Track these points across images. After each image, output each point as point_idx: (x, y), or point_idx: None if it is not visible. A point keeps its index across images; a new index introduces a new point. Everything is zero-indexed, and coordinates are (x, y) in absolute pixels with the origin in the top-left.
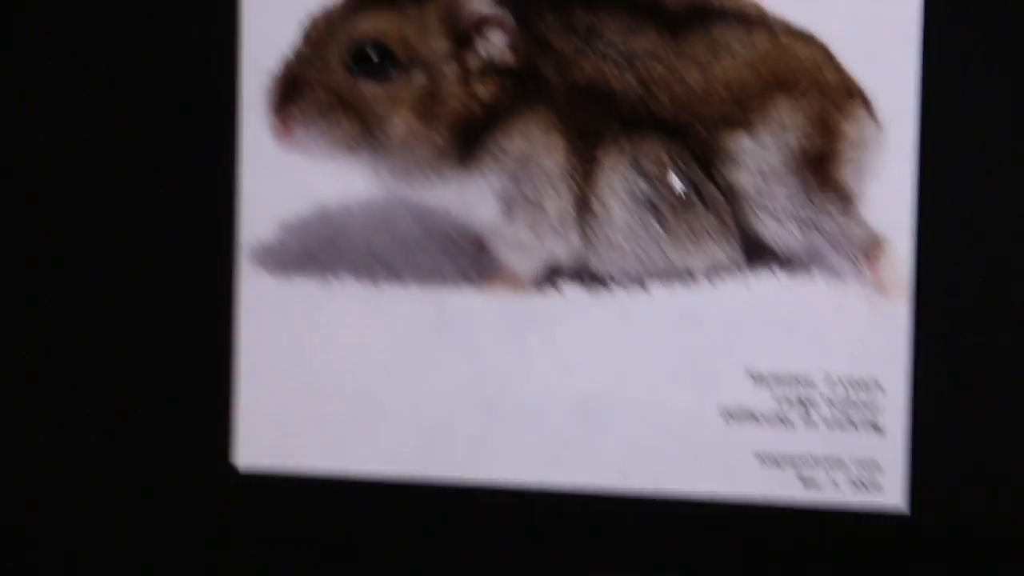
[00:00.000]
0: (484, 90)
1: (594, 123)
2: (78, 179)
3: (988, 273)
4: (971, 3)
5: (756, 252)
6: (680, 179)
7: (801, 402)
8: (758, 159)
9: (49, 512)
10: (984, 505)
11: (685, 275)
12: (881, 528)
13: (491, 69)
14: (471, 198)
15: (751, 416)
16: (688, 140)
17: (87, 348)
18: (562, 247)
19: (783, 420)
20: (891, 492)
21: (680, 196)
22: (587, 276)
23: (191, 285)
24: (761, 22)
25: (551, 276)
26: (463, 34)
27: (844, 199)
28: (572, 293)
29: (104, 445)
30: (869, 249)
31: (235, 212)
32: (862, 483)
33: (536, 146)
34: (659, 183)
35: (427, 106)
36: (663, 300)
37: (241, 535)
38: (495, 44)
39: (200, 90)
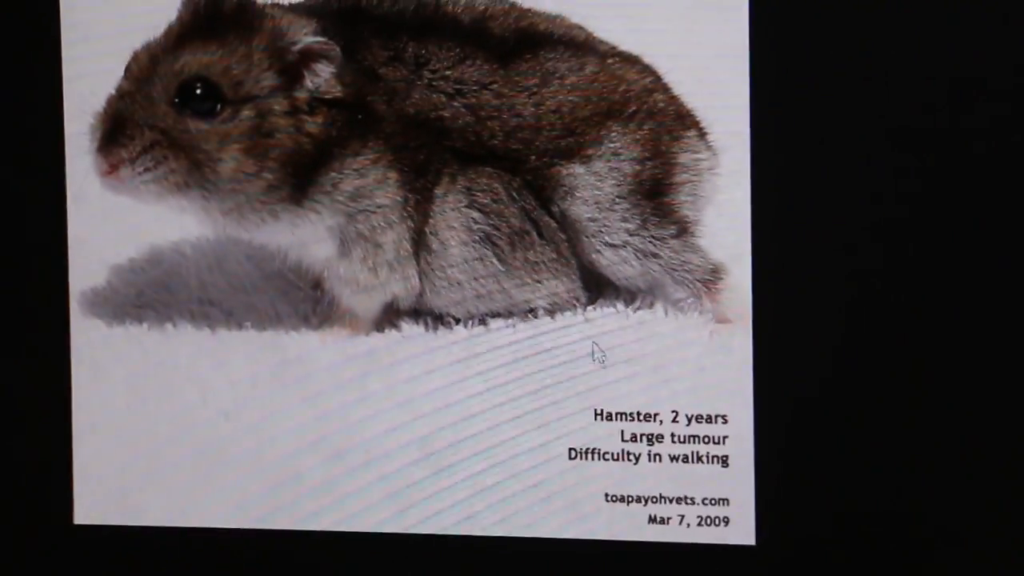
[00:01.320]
0: (314, 124)
1: (427, 156)
2: None
3: (827, 297)
4: (798, 23)
5: (596, 285)
6: (519, 216)
7: (648, 439)
8: (593, 188)
9: None
10: (832, 534)
11: (526, 310)
12: (731, 563)
13: (320, 102)
14: (306, 237)
15: (598, 455)
16: (522, 171)
17: None
18: (400, 285)
19: (630, 457)
20: (740, 527)
21: (518, 229)
22: (427, 314)
23: (21, 335)
24: (590, 47)
25: (390, 315)
26: (290, 67)
27: (681, 227)
28: (412, 332)
29: None
30: (708, 278)
31: (64, 258)
32: (711, 519)
33: (369, 181)
34: (495, 216)
35: (257, 143)
36: (504, 336)
37: None
38: (322, 76)
39: (23, 131)
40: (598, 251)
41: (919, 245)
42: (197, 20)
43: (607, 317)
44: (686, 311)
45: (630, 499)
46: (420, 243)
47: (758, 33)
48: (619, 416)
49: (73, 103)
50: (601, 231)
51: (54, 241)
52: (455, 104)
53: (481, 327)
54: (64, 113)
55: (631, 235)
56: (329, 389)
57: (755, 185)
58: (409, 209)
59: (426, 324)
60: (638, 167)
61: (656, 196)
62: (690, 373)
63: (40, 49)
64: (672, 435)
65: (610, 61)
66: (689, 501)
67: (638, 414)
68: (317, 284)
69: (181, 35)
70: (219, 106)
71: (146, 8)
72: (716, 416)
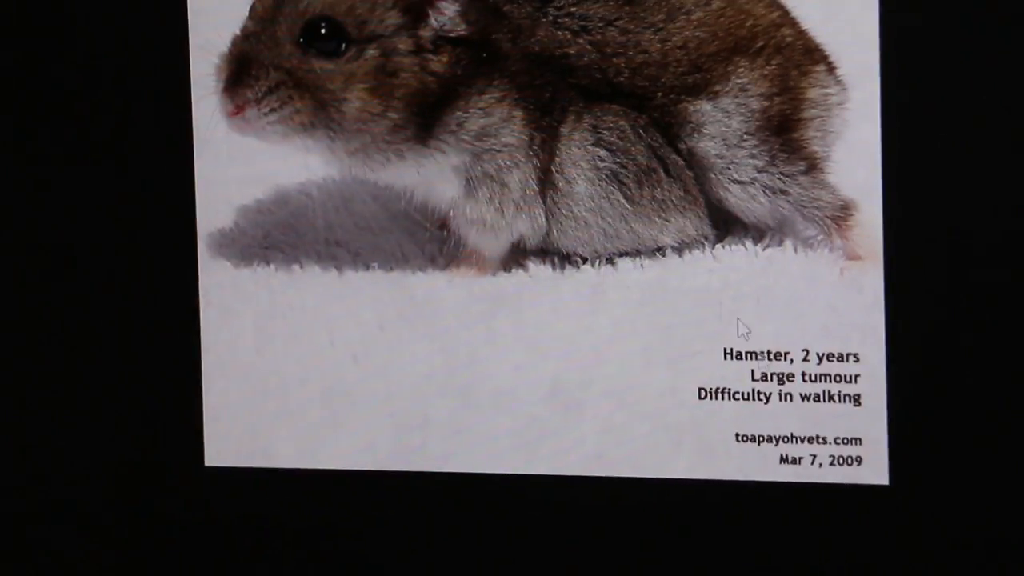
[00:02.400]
0: (439, 63)
1: (552, 94)
2: (27, 174)
3: (959, 234)
4: None
5: (724, 223)
6: (646, 154)
7: (778, 378)
8: (720, 125)
9: (13, 513)
10: (965, 474)
11: (653, 249)
12: (863, 503)
13: (444, 41)
14: (431, 177)
15: (728, 394)
16: (649, 108)
17: (49, 347)
18: (526, 224)
19: (761, 397)
20: (873, 466)
21: (644, 167)
22: (553, 254)
23: (150, 278)
24: None
25: (517, 255)
26: (414, 5)
27: (810, 163)
28: (539, 272)
29: (70, 444)
30: (839, 215)
31: (192, 199)
32: (843, 458)
33: (495, 120)
34: (621, 154)
35: (381, 82)
36: (632, 276)
37: (213, 533)
38: (447, 15)
39: (149, 74)
40: (726, 188)
41: None
42: None
43: (736, 255)
44: (816, 248)
45: (761, 439)
46: (546, 182)
47: None
48: (749, 355)
49: (198, 44)
50: (729, 168)
51: (181, 183)
52: (580, 41)
53: (608, 266)
54: (190, 55)
55: (759, 172)
56: (456, 329)
57: (885, 120)
58: (535, 148)
59: (553, 264)
60: (766, 103)
61: (784, 132)
62: (821, 311)
63: None
64: (803, 374)
65: None
66: (821, 440)
67: (768, 353)
68: (443, 224)
69: None
70: (344, 45)
71: None
72: (848, 355)
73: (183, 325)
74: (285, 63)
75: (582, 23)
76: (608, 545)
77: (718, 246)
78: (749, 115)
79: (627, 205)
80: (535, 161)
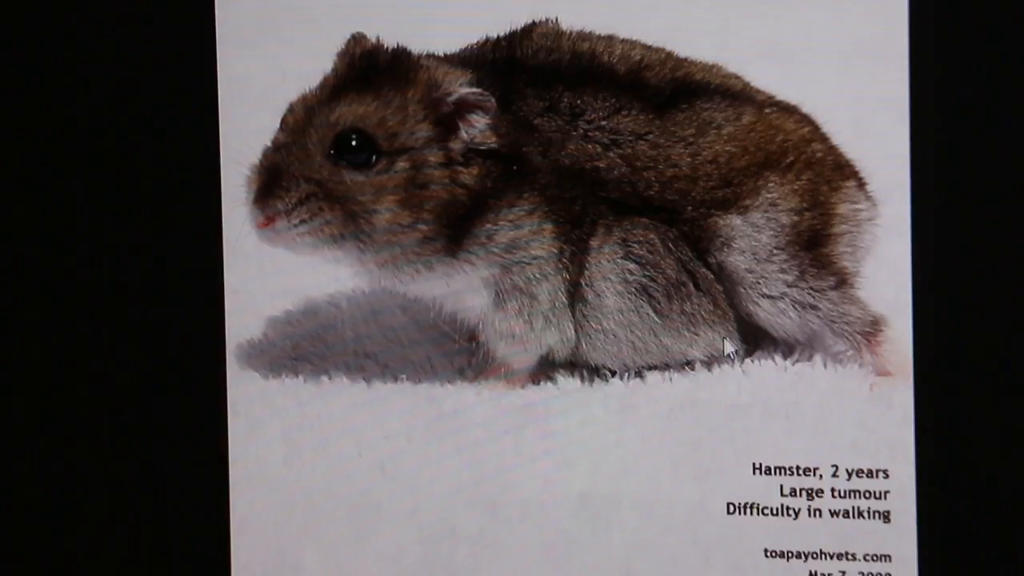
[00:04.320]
0: (469, 175)
1: (582, 206)
2: (60, 276)
3: (990, 351)
4: (958, 72)
5: (754, 337)
6: (676, 267)
7: (807, 493)
8: (750, 239)
9: None
10: None
11: (682, 363)
12: None
13: (475, 153)
14: (461, 288)
15: (757, 509)
16: (679, 222)
17: (78, 463)
18: (555, 336)
19: (790, 512)
20: None
21: (674, 281)
22: (582, 367)
23: (179, 388)
24: (746, 97)
25: (546, 369)
26: (445, 118)
27: (840, 279)
28: (568, 385)
29: (98, 555)
30: (868, 330)
31: (221, 310)
32: (873, 575)
33: (525, 232)
34: (651, 267)
35: (412, 194)
36: (661, 389)
37: None
38: (477, 127)
39: (181, 183)
40: (755, 303)
41: None
42: (353, 71)
43: (765, 369)
44: (846, 364)
45: (790, 555)
46: (575, 295)
47: (918, 81)
48: (778, 471)
49: (230, 156)
50: (759, 282)
51: (211, 294)
52: (610, 155)
53: (637, 380)
54: (221, 166)
55: (789, 286)
56: (484, 442)
57: (916, 236)
58: (564, 260)
59: (582, 377)
60: (796, 218)
61: (814, 247)
62: (850, 427)
63: (198, 102)
64: (832, 490)
65: (767, 111)
66: (850, 557)
67: (797, 468)
68: (472, 337)
69: (336, 87)
70: (374, 157)
71: (302, 60)
72: (877, 471)
73: (211, 437)
74: (315, 175)
75: (612, 137)
76: None
77: (748, 360)
78: (779, 230)
79: (656, 319)
80: (564, 274)
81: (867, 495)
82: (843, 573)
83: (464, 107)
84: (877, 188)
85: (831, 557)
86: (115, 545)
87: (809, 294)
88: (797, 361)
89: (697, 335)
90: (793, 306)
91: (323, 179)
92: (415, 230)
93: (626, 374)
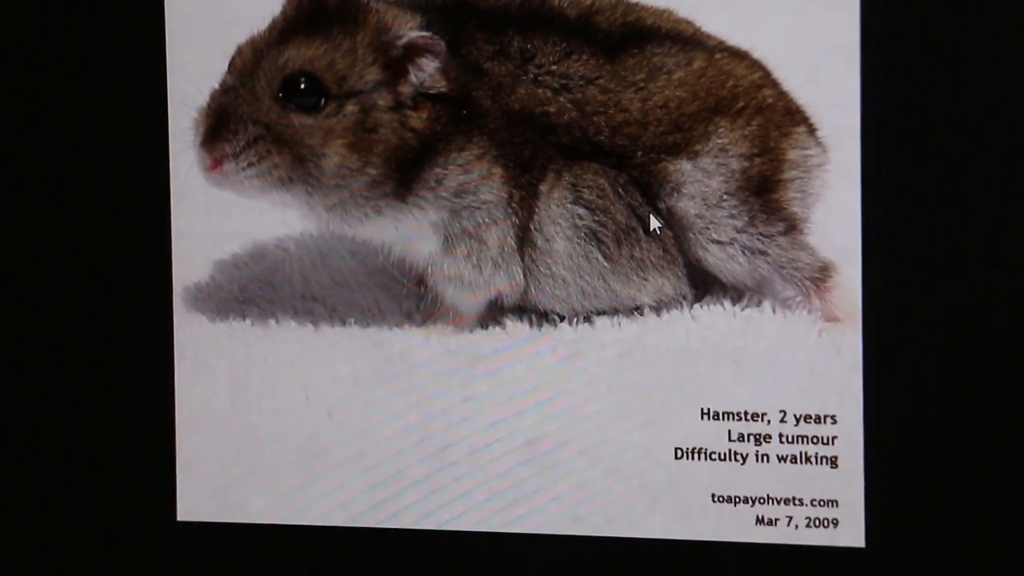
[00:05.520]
0: (418, 119)
1: (532, 151)
2: (4, 221)
3: (938, 296)
4: (909, 19)
5: (703, 283)
6: (625, 212)
7: (755, 439)
8: (700, 185)
9: None
10: (942, 537)
11: (631, 308)
12: (840, 565)
13: (424, 97)
14: (410, 233)
15: (705, 454)
16: (629, 167)
17: (23, 399)
18: (504, 281)
19: (738, 458)
20: (849, 529)
21: (624, 226)
22: (531, 311)
23: (125, 331)
24: (697, 42)
25: (495, 312)
26: (394, 62)
27: (789, 224)
28: (516, 329)
29: (39, 496)
30: (818, 276)
31: (168, 253)
32: (819, 520)
33: (474, 177)
34: (601, 212)
35: (361, 138)
36: (610, 334)
37: None
38: (427, 71)
39: (127, 127)
40: (705, 248)
41: None
42: (301, 14)
43: (714, 315)
44: (794, 309)
45: (737, 500)
46: (525, 239)
47: (869, 27)
48: (726, 416)
49: (177, 98)
50: (708, 228)
51: (158, 237)
52: (560, 99)
53: (586, 325)
54: (168, 108)
55: (739, 232)
56: (432, 386)
57: (866, 182)
58: (514, 205)
59: (531, 321)
60: (746, 163)
61: (764, 193)
62: (799, 373)
63: (144, 44)
64: (780, 435)
65: (718, 56)
66: (797, 502)
67: (745, 413)
68: (420, 280)
69: (285, 30)
70: (323, 101)
71: (250, 3)
72: (825, 416)
73: (158, 379)
74: (264, 118)
75: (563, 81)
76: None
77: (696, 306)
78: (729, 175)
79: (605, 264)
80: (514, 219)
81: (815, 440)
82: (790, 518)
83: (413, 51)
84: (827, 134)
85: (778, 502)
86: (60, 487)
87: (759, 240)
88: (746, 307)
89: (646, 280)
90: (743, 251)
91: (271, 122)
92: (364, 174)
93: (575, 319)
